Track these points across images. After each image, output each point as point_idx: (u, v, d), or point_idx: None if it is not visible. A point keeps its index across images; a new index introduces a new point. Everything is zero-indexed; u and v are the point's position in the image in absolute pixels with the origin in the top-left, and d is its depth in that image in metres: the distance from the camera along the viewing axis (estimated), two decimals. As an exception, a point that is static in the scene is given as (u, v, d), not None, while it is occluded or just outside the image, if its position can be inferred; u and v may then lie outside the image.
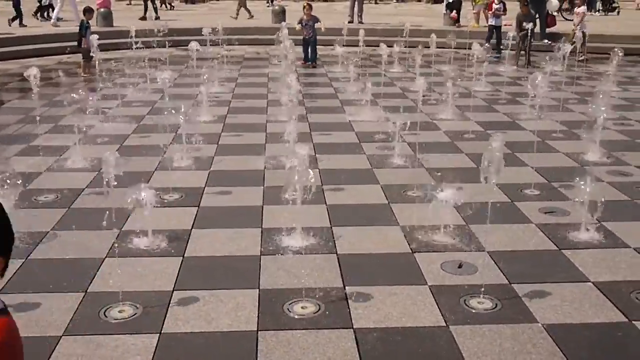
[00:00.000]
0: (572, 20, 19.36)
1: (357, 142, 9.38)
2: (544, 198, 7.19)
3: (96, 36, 13.83)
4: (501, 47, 18.06)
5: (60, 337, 4.47)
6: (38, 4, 22.78)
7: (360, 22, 22.25)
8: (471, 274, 5.38)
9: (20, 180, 6.84)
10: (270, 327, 4.59)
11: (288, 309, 4.82)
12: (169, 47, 17.32)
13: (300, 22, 16.42)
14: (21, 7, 20.79)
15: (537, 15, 18.36)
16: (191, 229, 6.28)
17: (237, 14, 24.37)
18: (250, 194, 7.23)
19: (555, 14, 20.60)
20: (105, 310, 4.78)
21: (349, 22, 21.25)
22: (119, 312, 4.77)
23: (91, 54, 13.85)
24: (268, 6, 29.43)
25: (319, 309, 4.82)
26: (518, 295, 5.05)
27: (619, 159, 8.62)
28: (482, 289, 5.05)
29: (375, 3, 34.53)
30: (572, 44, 14.85)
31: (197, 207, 6.86)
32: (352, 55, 14.68)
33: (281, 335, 4.49)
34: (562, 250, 5.84)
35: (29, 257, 5.65)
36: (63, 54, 17.47)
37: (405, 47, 16.71)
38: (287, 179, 5.67)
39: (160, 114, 10.70)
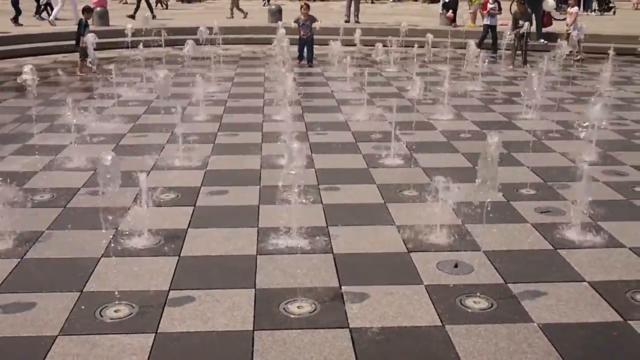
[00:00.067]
0: (565, 20, 19.34)
1: (354, 142, 9.38)
2: (540, 198, 7.20)
3: (92, 34, 13.80)
4: (497, 46, 18.08)
5: (56, 336, 4.46)
6: (36, 4, 22.77)
7: (357, 22, 22.27)
8: (467, 274, 5.39)
9: (16, 180, 6.85)
10: (266, 327, 4.59)
11: (284, 309, 4.82)
12: (166, 46, 17.33)
13: (297, 21, 16.42)
14: (20, 5, 20.80)
15: (533, 15, 18.38)
16: (187, 229, 6.27)
17: (232, 14, 24.39)
18: (247, 194, 7.23)
19: (557, 14, 20.65)
20: (101, 310, 4.78)
21: (345, 22, 21.26)
22: (115, 311, 4.76)
23: (88, 53, 13.86)
24: (264, 5, 29.43)
25: (315, 309, 4.82)
26: (514, 294, 5.05)
27: (615, 159, 8.64)
28: (478, 289, 5.06)
29: (372, 2, 34.54)
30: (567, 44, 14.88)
31: (193, 207, 6.85)
32: (348, 54, 14.68)
33: (277, 335, 4.49)
34: (558, 250, 5.85)
35: (24, 257, 5.64)
36: (59, 52, 17.46)
37: (401, 46, 16.75)
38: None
39: (156, 113, 10.70)
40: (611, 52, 12.74)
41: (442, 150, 9.03)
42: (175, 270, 5.41)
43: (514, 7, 21.87)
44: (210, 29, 16.75)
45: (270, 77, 14.35)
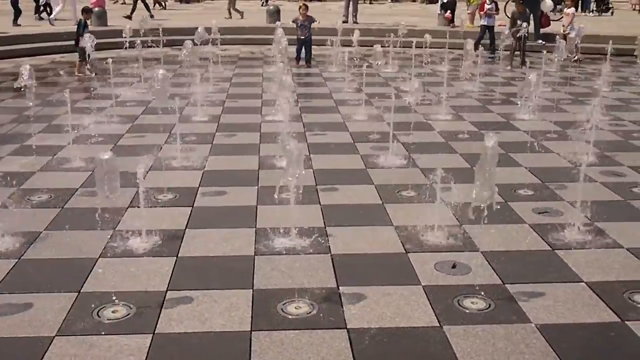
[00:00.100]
0: (562, 21, 19.33)
1: (352, 142, 9.39)
2: (538, 198, 7.21)
3: (89, 35, 13.79)
4: (495, 47, 18.08)
5: (54, 337, 4.46)
6: (35, 4, 22.78)
7: (355, 22, 22.28)
8: (465, 274, 5.39)
9: (14, 180, 6.84)
10: (263, 328, 4.59)
11: (282, 309, 4.82)
12: (164, 46, 17.31)
13: (295, 21, 16.42)
14: (19, 5, 20.82)
15: (531, 15, 18.39)
16: (185, 229, 6.27)
17: (230, 14, 24.41)
18: (245, 194, 7.23)
19: (553, 15, 20.66)
20: (99, 311, 4.77)
21: (343, 22, 21.26)
22: (113, 312, 4.76)
23: (86, 52, 13.85)
24: (262, 5, 29.44)
25: (313, 309, 4.82)
26: (511, 295, 5.06)
27: (613, 160, 8.65)
28: (476, 289, 5.06)
29: (370, 3, 34.54)
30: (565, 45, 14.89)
31: (191, 207, 6.85)
32: (346, 55, 14.69)
33: (275, 335, 4.49)
34: (556, 251, 5.86)
35: (22, 257, 5.64)
36: (58, 53, 17.46)
37: (399, 47, 16.75)
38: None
39: (154, 113, 10.70)
40: (609, 52, 12.74)
41: (440, 151, 9.03)
42: (173, 271, 5.41)
43: (509, 8, 21.95)
44: (209, 29, 16.74)
45: (269, 78, 14.34)
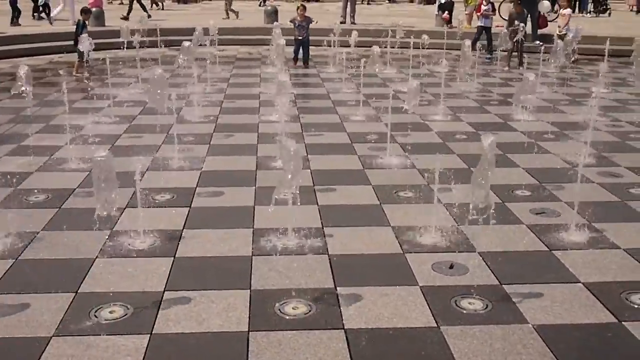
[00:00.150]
0: (557, 21, 19.33)
1: (349, 143, 9.39)
2: (535, 199, 7.21)
3: (86, 36, 13.78)
4: (492, 48, 18.10)
5: (51, 337, 4.45)
6: (33, 4, 22.78)
7: (353, 23, 22.30)
8: (462, 275, 5.39)
9: (11, 180, 6.83)
10: (261, 328, 4.59)
11: (279, 310, 4.82)
12: (162, 47, 17.31)
13: (292, 21, 16.43)
14: (18, 5, 20.81)
15: (529, 16, 18.40)
16: (182, 230, 6.26)
17: (227, 15, 24.42)
18: (242, 195, 7.23)
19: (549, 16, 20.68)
20: (96, 311, 4.77)
21: (341, 23, 21.27)
22: (110, 312, 4.75)
23: (84, 53, 13.84)
24: (260, 6, 29.45)
25: (310, 310, 4.82)
26: (509, 296, 5.06)
27: (610, 160, 8.66)
28: (473, 290, 5.07)
29: (368, 4, 34.56)
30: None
31: (188, 208, 6.84)
32: (344, 55, 14.70)
33: (272, 336, 4.49)
34: (553, 251, 5.87)
35: (19, 258, 5.63)
36: (56, 53, 17.44)
37: (397, 47, 16.76)
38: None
39: (151, 114, 10.68)
40: (606, 53, 12.77)
41: (438, 152, 9.01)
42: (170, 271, 5.41)
43: (503, 8, 21.99)
44: (206, 29, 16.74)
45: (266, 78, 14.34)
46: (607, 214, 6.72)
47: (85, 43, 13.57)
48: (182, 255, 5.73)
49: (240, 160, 8.51)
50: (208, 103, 11.89)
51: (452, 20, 21.93)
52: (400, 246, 5.92)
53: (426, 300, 4.98)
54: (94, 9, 20.36)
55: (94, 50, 14.08)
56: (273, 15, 22.11)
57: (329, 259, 5.66)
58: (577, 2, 29.05)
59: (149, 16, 22.80)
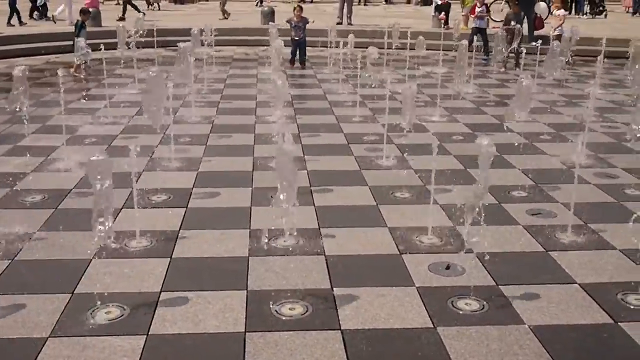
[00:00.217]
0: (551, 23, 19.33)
1: (346, 144, 9.39)
2: (531, 200, 7.23)
3: (82, 38, 13.76)
4: (489, 49, 18.10)
5: (47, 338, 4.45)
6: (31, 4, 22.76)
7: (350, 24, 22.30)
8: (458, 276, 5.40)
9: (7, 181, 6.82)
10: (258, 329, 4.59)
11: (276, 311, 4.82)
12: (158, 47, 17.28)
13: (289, 21, 16.43)
14: (17, 5, 20.79)
15: (525, 17, 18.40)
16: (179, 230, 6.26)
17: (224, 15, 24.43)
18: (239, 195, 7.23)
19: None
20: (92, 312, 4.76)
21: (338, 24, 21.27)
22: (106, 313, 4.75)
23: (81, 54, 13.82)
24: (257, 6, 29.44)
25: (307, 311, 4.82)
26: (505, 296, 5.07)
27: (606, 161, 8.68)
28: (470, 291, 5.07)
29: (365, 5, 34.59)
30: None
31: (185, 208, 6.84)
32: (341, 56, 14.70)
33: (269, 336, 4.49)
34: (549, 252, 5.88)
35: (15, 258, 5.62)
36: (53, 53, 17.41)
37: (394, 48, 16.76)
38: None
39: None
40: (602, 55, 12.80)
41: (434, 153, 9.01)
42: (166, 272, 5.41)
43: (493, 7, 21.98)
44: (202, 30, 16.72)
45: (263, 79, 14.34)
46: (603, 214, 6.74)
47: (82, 44, 13.52)
48: (179, 255, 5.73)
49: (236, 161, 8.51)
50: (205, 103, 11.89)
51: (449, 21, 21.94)
52: (397, 247, 5.93)
53: (422, 301, 4.99)
54: (90, 10, 20.36)
55: (87, 51, 14.03)
56: (270, 15, 22.12)
57: (326, 259, 5.66)
58: (574, 4, 29.11)
59: (144, 14, 22.79)
